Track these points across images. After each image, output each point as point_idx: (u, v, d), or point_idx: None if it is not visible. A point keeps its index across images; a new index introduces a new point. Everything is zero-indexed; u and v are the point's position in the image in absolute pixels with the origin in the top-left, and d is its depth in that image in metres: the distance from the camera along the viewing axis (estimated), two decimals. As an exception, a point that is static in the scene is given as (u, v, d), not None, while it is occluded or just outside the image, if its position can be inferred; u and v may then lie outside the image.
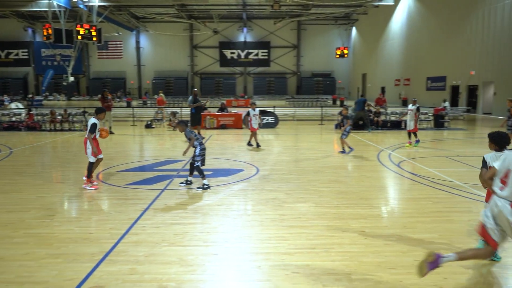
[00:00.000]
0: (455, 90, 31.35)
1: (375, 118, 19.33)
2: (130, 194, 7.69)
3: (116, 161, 11.03)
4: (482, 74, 27.55)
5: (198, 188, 7.94)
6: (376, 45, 47.48)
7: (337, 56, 52.17)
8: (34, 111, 21.47)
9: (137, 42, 58.49)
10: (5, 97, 40.19)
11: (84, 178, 8.21)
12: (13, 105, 27.71)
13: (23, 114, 21.29)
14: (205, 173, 8.08)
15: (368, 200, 7.25)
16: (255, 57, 59.39)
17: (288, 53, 60.06)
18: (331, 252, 4.95)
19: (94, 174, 8.49)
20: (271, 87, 59.90)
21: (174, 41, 57.81)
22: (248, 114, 13.51)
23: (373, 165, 10.61)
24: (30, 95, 45.29)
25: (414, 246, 5.13)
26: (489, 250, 3.95)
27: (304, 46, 59.92)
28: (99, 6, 35.78)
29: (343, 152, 12.17)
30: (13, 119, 20.79)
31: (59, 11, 32.52)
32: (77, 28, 31.01)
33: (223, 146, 14.07)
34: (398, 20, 40.94)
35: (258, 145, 13.33)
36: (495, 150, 4.59)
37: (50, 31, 30.77)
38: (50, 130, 19.19)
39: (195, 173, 8.11)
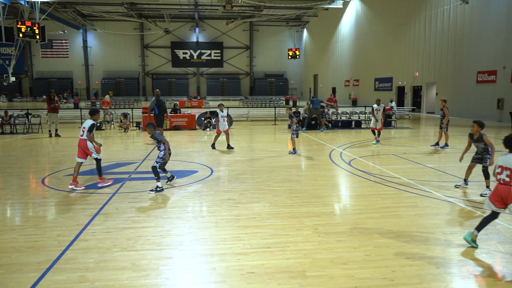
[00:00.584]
0: (401, 90, 32.85)
1: (322, 119, 19.74)
2: (79, 198, 7.38)
3: (64, 165, 10.56)
4: (425, 75, 29.08)
5: (151, 190, 7.77)
6: (327, 46, 48.73)
7: (289, 57, 53.12)
8: (-29, 113, 20.09)
9: (85, 41, 56.31)
10: None
11: (99, 184, 8.28)
12: None
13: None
14: (160, 175, 7.93)
15: (321, 198, 7.42)
16: (208, 58, 59.08)
17: (241, 54, 60.27)
18: (286, 251, 5.01)
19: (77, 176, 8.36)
20: (224, 87, 59.84)
21: (124, 40, 56.27)
22: (216, 115, 13.29)
23: (326, 163, 10.88)
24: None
25: (364, 241, 5.31)
26: None
27: (257, 47, 60.40)
28: (42, 2, 34.08)
29: (294, 152, 12.32)
30: None
31: (-2, 6, 30.67)
32: (18, 26, 29.37)
33: (176, 147, 13.85)
34: (347, 23, 42.25)
35: (229, 147, 13.21)
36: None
37: (-13, 28, 28.94)
38: (-10, 133, 18.03)
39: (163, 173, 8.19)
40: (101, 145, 8.35)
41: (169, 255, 4.90)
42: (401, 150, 13.00)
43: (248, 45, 60.07)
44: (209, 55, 59.00)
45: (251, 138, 16.69)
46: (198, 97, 49.06)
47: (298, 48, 54.56)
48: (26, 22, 29.99)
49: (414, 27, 30.22)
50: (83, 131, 8.06)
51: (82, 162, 8.23)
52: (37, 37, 30.49)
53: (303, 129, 18.55)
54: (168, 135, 17.16)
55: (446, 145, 13.18)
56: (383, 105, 14.67)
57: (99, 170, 8.27)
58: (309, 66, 57.41)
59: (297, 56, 53.18)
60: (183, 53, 58.59)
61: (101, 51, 57.32)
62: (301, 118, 19.10)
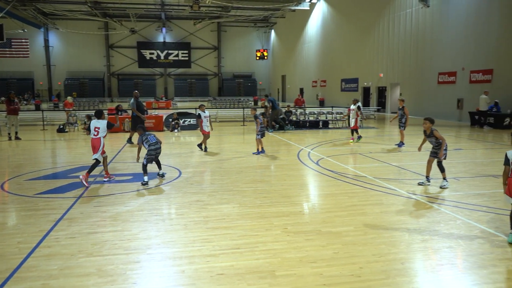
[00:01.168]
0: (366, 91, 33.60)
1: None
2: (41, 204, 7.12)
3: (25, 169, 10.17)
4: (390, 76, 29.88)
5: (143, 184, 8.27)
6: (294, 47, 49.22)
7: (257, 58, 53.30)
8: None
9: (46, 41, 54.36)
10: None
11: (81, 176, 8.48)
12: None
13: None
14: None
15: (290, 198, 7.48)
16: (175, 58, 58.37)
17: (209, 55, 59.94)
18: (255, 251, 5.02)
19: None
20: (192, 88, 59.32)
21: (88, 40, 54.75)
22: (199, 116, 13.03)
23: (294, 163, 10.98)
24: None
25: (332, 239, 5.40)
26: None
27: (225, 48, 60.24)
28: None
29: (257, 153, 12.35)
30: None
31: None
32: (-26, 24, 28.08)
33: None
34: (314, 24, 42.83)
35: (205, 149, 12.99)
36: None
37: None
38: None
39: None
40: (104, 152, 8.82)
41: (137, 259, 4.80)
42: (366, 149, 13.31)
43: (216, 45, 59.82)
44: (177, 55, 58.31)
45: (219, 139, 16.63)
46: (164, 98, 48.38)
47: (266, 49, 54.88)
48: (-18, 20, 28.70)
49: (378, 29, 31.00)
50: (97, 131, 8.48)
51: (106, 156, 8.85)
52: (-5, 36, 29.24)
53: (271, 131, 18.53)
54: (135, 137, 16.83)
55: (402, 143, 13.59)
56: (359, 104, 15.26)
57: (91, 169, 8.53)
58: (277, 67, 57.82)
59: (265, 57, 53.46)
60: (150, 53, 57.63)
61: (64, 51, 55.51)
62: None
